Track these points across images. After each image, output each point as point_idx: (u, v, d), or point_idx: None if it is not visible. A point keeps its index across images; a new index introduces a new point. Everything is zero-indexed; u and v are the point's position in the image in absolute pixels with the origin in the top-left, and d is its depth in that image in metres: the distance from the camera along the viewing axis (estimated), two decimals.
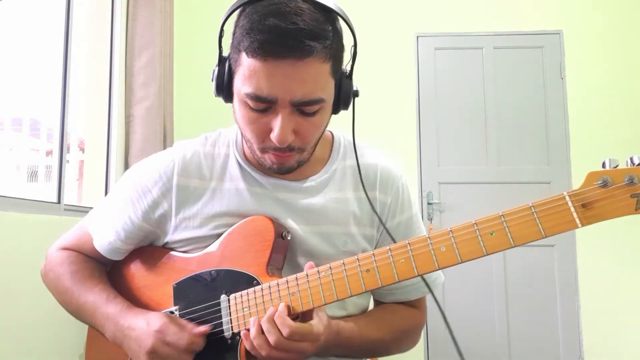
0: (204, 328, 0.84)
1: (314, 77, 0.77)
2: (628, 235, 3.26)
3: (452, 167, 3.48)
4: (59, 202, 2.38)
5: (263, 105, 0.78)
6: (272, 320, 0.77)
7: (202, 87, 3.67)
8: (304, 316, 0.80)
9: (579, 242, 3.35)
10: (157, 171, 0.91)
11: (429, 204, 3.42)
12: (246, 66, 0.77)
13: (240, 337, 0.83)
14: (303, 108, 0.78)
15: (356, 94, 0.86)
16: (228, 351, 0.83)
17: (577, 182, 3.50)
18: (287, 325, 0.75)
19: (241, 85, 0.78)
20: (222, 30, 0.83)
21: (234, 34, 0.80)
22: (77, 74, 2.70)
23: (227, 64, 0.82)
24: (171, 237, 0.92)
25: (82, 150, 2.93)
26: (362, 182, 0.92)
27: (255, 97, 0.77)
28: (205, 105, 3.37)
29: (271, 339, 0.75)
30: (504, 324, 3.34)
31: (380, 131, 3.32)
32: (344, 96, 0.84)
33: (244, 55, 0.77)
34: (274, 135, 0.78)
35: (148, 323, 0.84)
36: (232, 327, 0.84)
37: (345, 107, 0.86)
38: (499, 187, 3.40)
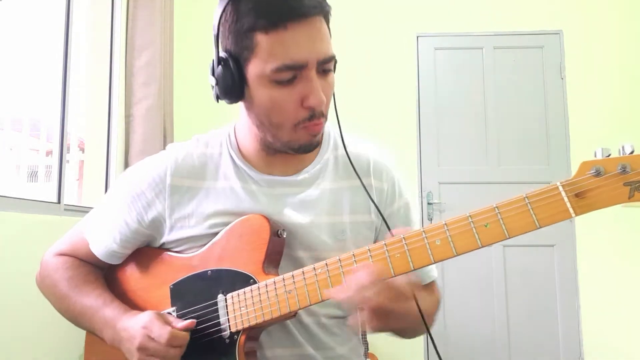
0: (187, 322, 0.84)
1: (327, 34, 0.81)
2: (628, 235, 3.26)
3: (452, 167, 3.48)
4: (59, 202, 2.39)
5: (291, 75, 0.78)
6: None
7: (202, 87, 3.66)
8: None
9: (579, 242, 3.35)
10: (150, 174, 0.92)
11: (429, 204, 3.42)
12: (266, 43, 0.77)
13: (237, 336, 0.83)
14: (325, 66, 0.81)
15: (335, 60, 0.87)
16: (226, 351, 0.83)
17: None
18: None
19: (264, 66, 0.78)
20: (218, 28, 0.82)
21: (234, 24, 0.79)
22: (77, 74, 2.70)
23: (230, 60, 0.81)
24: (167, 237, 0.92)
25: (82, 150, 2.93)
26: (352, 166, 0.91)
27: (285, 67, 0.77)
28: (205, 105, 3.36)
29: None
30: (504, 324, 3.34)
31: (381, 131, 3.32)
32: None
33: (258, 35, 0.77)
34: (311, 99, 0.79)
35: (137, 321, 0.85)
36: (229, 326, 0.84)
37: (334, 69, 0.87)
38: (499, 187, 3.40)
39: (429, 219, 3.40)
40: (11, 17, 2.37)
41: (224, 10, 0.80)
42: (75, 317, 0.95)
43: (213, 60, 0.84)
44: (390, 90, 3.53)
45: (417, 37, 3.58)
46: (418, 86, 3.55)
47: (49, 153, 2.69)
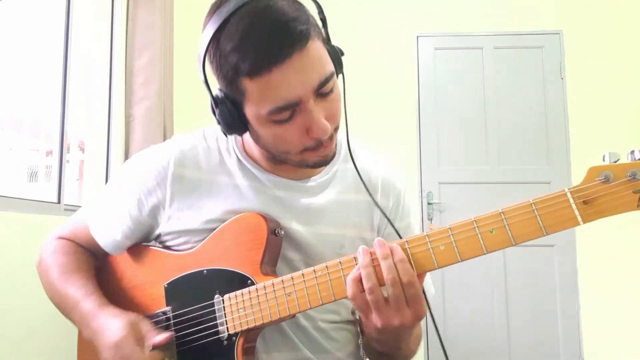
0: (162, 338, 0.81)
1: (319, 57, 0.75)
2: (628, 235, 3.26)
3: (452, 167, 3.48)
4: (59, 202, 2.39)
5: (289, 113, 0.75)
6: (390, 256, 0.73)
7: (202, 87, 3.65)
8: None
9: (579, 242, 3.35)
10: (154, 162, 0.90)
11: (429, 204, 3.42)
12: (254, 88, 0.74)
13: (236, 338, 0.81)
14: (322, 91, 0.76)
15: (342, 52, 0.83)
16: (224, 353, 0.82)
17: (577, 182, 3.50)
18: (408, 271, 0.71)
19: (257, 110, 0.76)
20: (204, 71, 0.79)
21: (219, 68, 0.76)
22: (77, 74, 2.70)
23: (226, 101, 0.79)
24: (163, 228, 0.90)
25: (82, 150, 2.93)
26: (362, 181, 0.90)
27: (278, 110, 0.74)
28: (205, 106, 3.36)
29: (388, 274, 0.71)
30: (504, 324, 3.34)
31: (381, 131, 3.33)
32: (336, 59, 0.81)
33: (245, 80, 0.74)
34: (315, 132, 0.76)
35: (110, 332, 0.81)
36: (227, 328, 0.82)
37: (341, 69, 0.83)
38: (499, 187, 3.40)
39: (429, 219, 3.40)
40: (11, 17, 2.37)
41: (206, 52, 0.76)
42: (59, 305, 0.93)
43: (210, 100, 0.81)
44: (390, 90, 3.53)
45: (417, 37, 3.58)
46: (418, 86, 3.55)
47: (49, 153, 2.69)
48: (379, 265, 0.73)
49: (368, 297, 0.72)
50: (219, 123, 0.82)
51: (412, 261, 0.73)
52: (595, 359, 3.27)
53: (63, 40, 2.51)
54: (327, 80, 0.76)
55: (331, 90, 0.78)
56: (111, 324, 0.82)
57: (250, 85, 0.74)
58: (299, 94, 0.74)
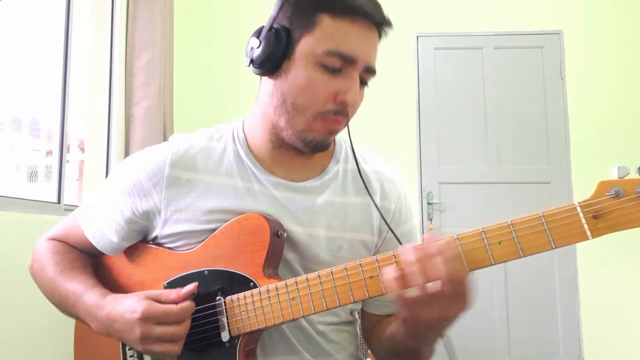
0: (187, 290, 0.80)
1: (377, 55, 0.85)
2: (628, 236, 3.26)
3: (452, 167, 3.48)
4: (59, 202, 2.39)
5: (339, 65, 0.80)
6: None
7: (202, 88, 3.67)
8: None
9: (579, 242, 3.34)
10: (149, 163, 0.89)
11: (429, 204, 3.42)
12: (329, 25, 0.79)
13: (238, 340, 0.81)
14: (366, 76, 0.84)
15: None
16: (226, 355, 0.81)
17: (577, 182, 3.54)
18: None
19: (318, 45, 0.80)
20: (283, 4, 0.83)
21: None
22: (77, 74, 2.69)
23: (282, 31, 0.81)
24: (161, 231, 0.89)
25: (82, 150, 2.93)
26: (365, 185, 0.90)
27: (339, 54, 0.79)
28: (205, 106, 3.37)
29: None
30: (504, 323, 3.34)
31: (381, 131, 3.33)
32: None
33: (324, 16, 0.80)
34: (349, 96, 0.81)
35: (130, 310, 0.79)
36: (229, 330, 0.81)
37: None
38: (499, 187, 3.40)
39: (429, 219, 3.40)
40: (11, 17, 2.37)
41: None
42: (60, 303, 0.92)
43: (262, 27, 0.84)
44: (390, 90, 3.52)
45: (417, 37, 3.58)
46: (418, 86, 3.55)
47: (49, 153, 2.69)
48: (422, 262, 0.69)
49: (416, 294, 0.69)
50: (257, 47, 0.83)
51: None
52: (595, 359, 3.27)
53: (63, 40, 2.51)
54: (373, 71, 0.84)
55: (366, 84, 0.85)
56: (126, 304, 0.80)
57: (326, 21, 0.80)
58: (360, 56, 0.81)
